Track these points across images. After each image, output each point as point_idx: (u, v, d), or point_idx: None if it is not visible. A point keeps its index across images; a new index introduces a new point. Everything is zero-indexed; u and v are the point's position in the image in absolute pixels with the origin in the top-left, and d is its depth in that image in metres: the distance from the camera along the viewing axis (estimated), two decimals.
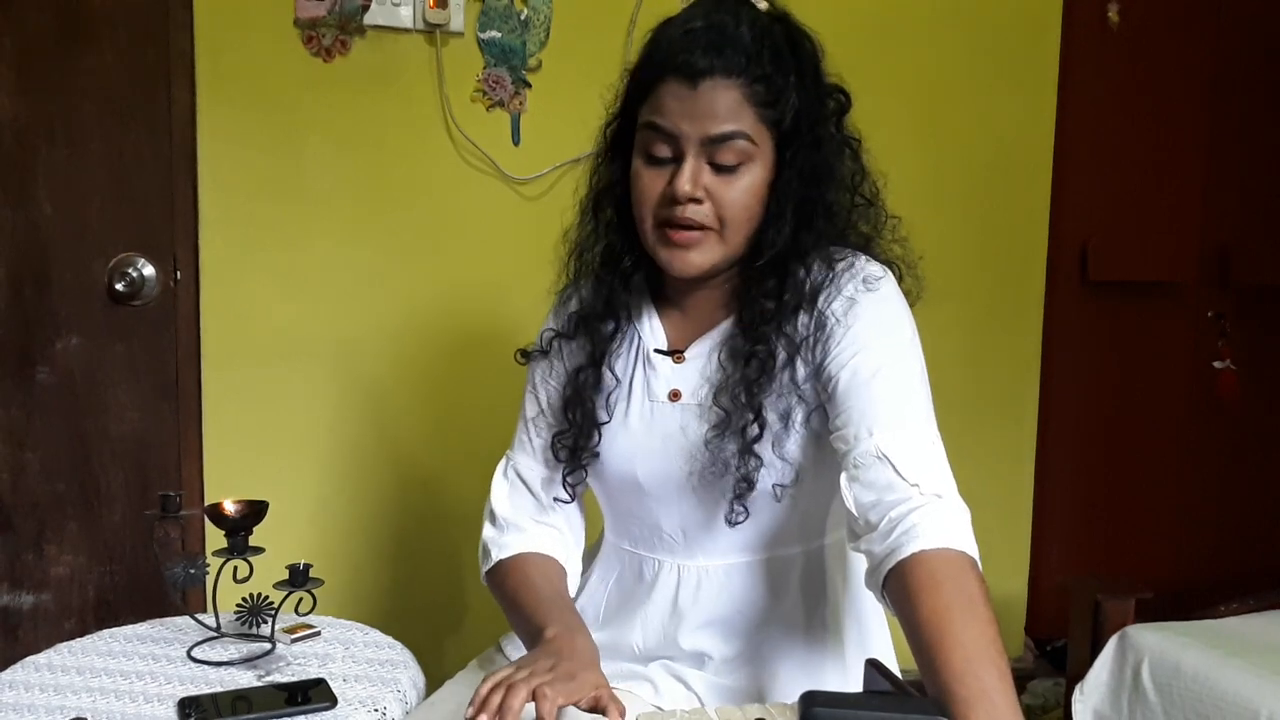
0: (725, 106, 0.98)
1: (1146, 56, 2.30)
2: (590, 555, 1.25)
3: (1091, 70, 2.26)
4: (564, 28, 1.92)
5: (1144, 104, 2.32)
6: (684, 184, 0.99)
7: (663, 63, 1.00)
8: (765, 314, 1.02)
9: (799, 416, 1.03)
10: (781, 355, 1.02)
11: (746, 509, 1.03)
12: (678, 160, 1.00)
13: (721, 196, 1.00)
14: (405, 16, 1.84)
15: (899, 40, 2.09)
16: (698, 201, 0.99)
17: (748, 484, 1.02)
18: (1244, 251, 2.40)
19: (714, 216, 1.00)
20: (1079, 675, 1.89)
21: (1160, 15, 2.30)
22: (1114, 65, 2.28)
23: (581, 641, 0.97)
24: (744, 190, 1.00)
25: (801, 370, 1.02)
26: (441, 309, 1.94)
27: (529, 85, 1.92)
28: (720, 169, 0.99)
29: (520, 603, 1.06)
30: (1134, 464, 2.43)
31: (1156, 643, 1.78)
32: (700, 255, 1.01)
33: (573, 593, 1.15)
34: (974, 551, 0.87)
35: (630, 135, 1.05)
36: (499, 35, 1.89)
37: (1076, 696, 1.87)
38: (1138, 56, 2.29)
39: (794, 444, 1.03)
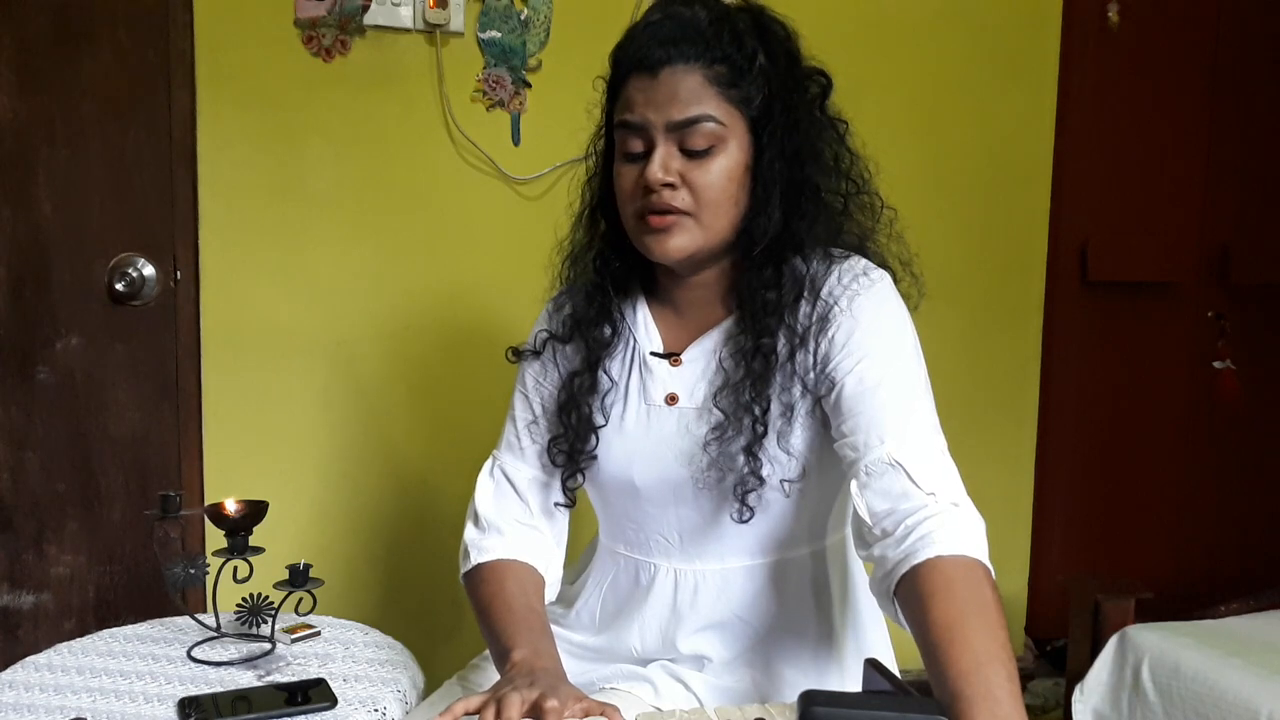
0: (687, 90, 0.99)
1: (1146, 56, 2.30)
2: (586, 557, 1.25)
3: (1091, 70, 2.26)
4: (564, 28, 1.92)
5: (1144, 104, 2.32)
6: (654, 171, 1.00)
7: (625, 61, 1.03)
8: (768, 305, 1.02)
9: (803, 408, 1.03)
10: (784, 347, 1.02)
11: (752, 507, 1.03)
12: (650, 152, 1.01)
13: (695, 181, 1.00)
14: (405, 16, 1.84)
15: (899, 40, 2.09)
16: (671, 187, 1.00)
17: (757, 479, 1.01)
18: (1244, 251, 2.40)
19: (690, 201, 1.01)
20: (1079, 675, 1.89)
21: (1160, 15, 2.30)
22: (1114, 65, 2.28)
23: (547, 663, 0.96)
24: (718, 174, 1.00)
25: (802, 359, 1.02)
26: (442, 309, 1.94)
27: (529, 85, 1.92)
28: (692, 154, 1.00)
29: (492, 616, 1.05)
30: (1134, 464, 2.43)
31: (1156, 643, 1.78)
32: (679, 240, 1.02)
33: (553, 597, 1.15)
34: (988, 561, 0.87)
35: (614, 144, 1.07)
36: (499, 35, 1.89)
37: (1076, 696, 1.87)
38: (1138, 56, 2.29)
39: (798, 437, 1.03)
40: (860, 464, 0.94)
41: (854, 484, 0.94)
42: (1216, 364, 2.40)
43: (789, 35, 1.05)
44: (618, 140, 1.04)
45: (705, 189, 1.00)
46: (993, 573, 0.87)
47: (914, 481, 0.90)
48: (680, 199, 1.00)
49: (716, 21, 1.00)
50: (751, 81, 1.00)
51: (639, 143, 1.02)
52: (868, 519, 0.92)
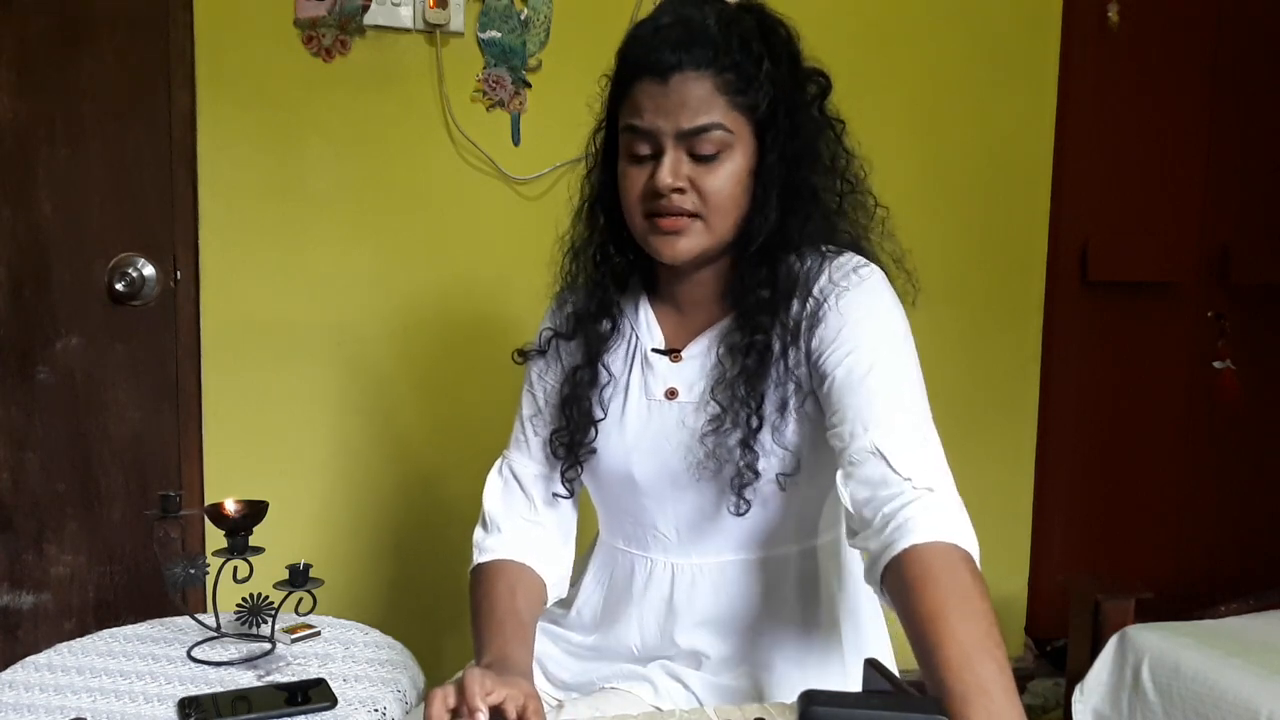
0: (697, 98, 0.99)
1: (1146, 56, 2.30)
2: (586, 555, 1.25)
3: (1091, 70, 2.26)
4: (564, 28, 1.92)
5: (1144, 104, 2.32)
6: (665, 176, 1.00)
7: (634, 63, 1.02)
8: (761, 303, 1.04)
9: (796, 403, 1.04)
10: (777, 344, 1.03)
11: (749, 500, 1.03)
12: (658, 156, 1.02)
13: (703, 185, 1.01)
14: (405, 16, 1.84)
15: (899, 40, 2.09)
16: (680, 191, 1.01)
17: (753, 473, 1.02)
18: (1244, 251, 2.40)
19: (698, 204, 1.02)
20: (1079, 675, 1.89)
21: (1160, 15, 2.30)
22: (1114, 65, 2.28)
23: (510, 663, 0.96)
24: (725, 178, 1.01)
25: (794, 356, 1.03)
26: (442, 308, 1.94)
27: (529, 85, 1.92)
28: (700, 159, 1.01)
29: (477, 619, 1.06)
30: (1134, 464, 2.43)
31: (1156, 643, 1.78)
32: (688, 241, 1.03)
33: (563, 593, 1.16)
34: (970, 544, 0.86)
35: (615, 141, 1.07)
36: (499, 35, 1.89)
37: (1076, 696, 1.87)
38: (1138, 56, 2.29)
39: (793, 431, 1.04)
40: (845, 454, 0.94)
41: (839, 474, 0.94)
42: (1216, 364, 2.40)
43: (790, 36, 1.06)
44: (623, 142, 1.05)
45: (713, 193, 1.01)
46: (976, 556, 0.86)
47: (893, 468, 0.90)
48: (689, 202, 1.02)
49: (725, 26, 1.01)
50: (758, 87, 1.01)
51: (646, 146, 1.02)
52: (850, 508, 0.92)
